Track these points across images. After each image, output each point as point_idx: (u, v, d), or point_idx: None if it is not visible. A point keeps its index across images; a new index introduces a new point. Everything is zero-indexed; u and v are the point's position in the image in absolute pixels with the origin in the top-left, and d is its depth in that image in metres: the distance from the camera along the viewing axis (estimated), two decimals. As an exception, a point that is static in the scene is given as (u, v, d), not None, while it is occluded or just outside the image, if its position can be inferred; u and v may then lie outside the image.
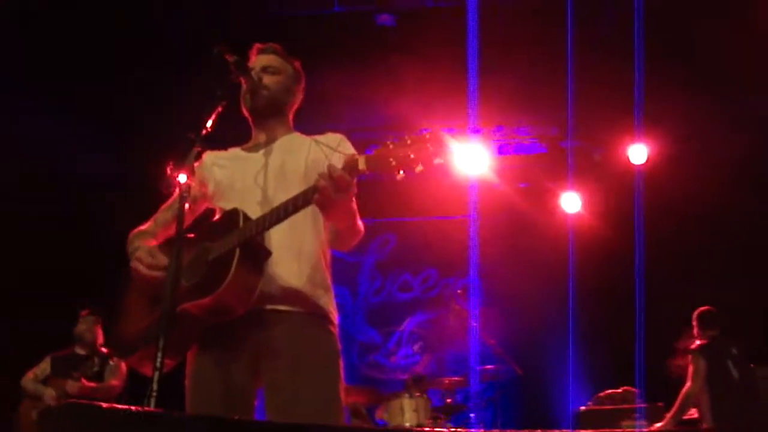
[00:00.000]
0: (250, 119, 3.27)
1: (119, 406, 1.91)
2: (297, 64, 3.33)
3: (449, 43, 6.73)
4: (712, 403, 6.28)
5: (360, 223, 2.96)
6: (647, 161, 8.31)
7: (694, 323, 6.70)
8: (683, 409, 6.38)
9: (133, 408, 1.93)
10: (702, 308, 6.74)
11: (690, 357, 6.51)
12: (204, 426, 2.01)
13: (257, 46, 3.27)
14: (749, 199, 7.66)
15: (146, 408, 2.23)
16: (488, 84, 6.90)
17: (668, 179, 8.07)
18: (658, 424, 6.40)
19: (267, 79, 3.18)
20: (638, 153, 8.33)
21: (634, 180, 8.13)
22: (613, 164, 8.70)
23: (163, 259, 2.88)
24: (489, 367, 7.41)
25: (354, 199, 2.83)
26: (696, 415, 6.52)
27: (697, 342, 6.58)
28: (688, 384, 6.40)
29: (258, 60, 3.22)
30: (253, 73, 3.11)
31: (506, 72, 7.21)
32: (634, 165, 8.34)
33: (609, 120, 8.25)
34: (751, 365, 6.57)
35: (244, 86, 3.17)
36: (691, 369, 6.45)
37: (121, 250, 3.13)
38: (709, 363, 6.41)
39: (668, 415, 6.40)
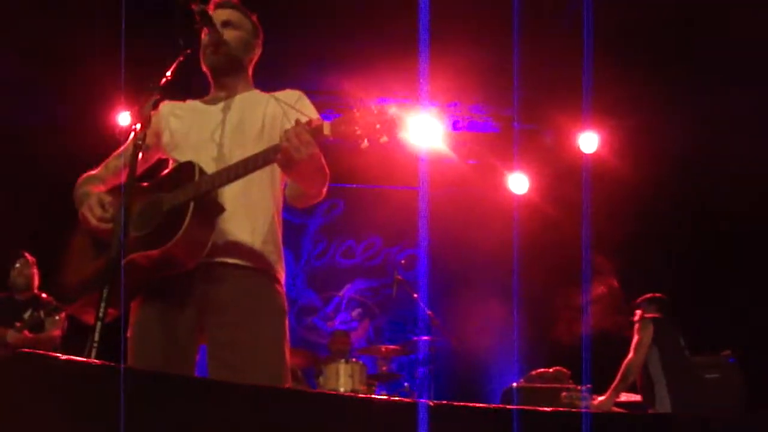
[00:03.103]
0: (209, 74, 3.22)
1: (76, 359, 1.89)
2: (255, 17, 3.29)
3: (412, 15, 6.70)
4: (669, 383, 6.21)
5: (324, 189, 2.95)
6: (597, 150, 8.39)
7: (655, 305, 6.64)
8: (625, 380, 6.28)
9: (91, 360, 1.91)
10: (654, 293, 6.75)
11: (637, 325, 6.43)
12: (167, 382, 2.01)
13: (215, 0, 3.20)
14: (693, 193, 7.79)
15: (95, 360, 2.21)
16: (446, 60, 6.88)
17: (616, 169, 8.18)
18: (601, 398, 6.35)
19: (227, 35, 3.13)
20: (589, 141, 8.41)
21: (583, 167, 8.21)
22: (563, 149, 8.78)
23: (113, 212, 2.84)
24: (426, 338, 7.49)
25: (322, 162, 2.83)
26: (637, 398, 6.51)
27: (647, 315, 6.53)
28: (631, 355, 6.31)
29: (217, 14, 3.15)
30: (216, 25, 3.06)
31: (465, 49, 7.21)
32: (583, 152, 8.41)
33: (563, 106, 8.31)
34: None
35: (204, 41, 3.11)
36: (635, 339, 6.37)
37: (67, 194, 3.10)
38: (658, 336, 6.32)
39: (611, 387, 6.32)
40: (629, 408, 6.51)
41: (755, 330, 7.01)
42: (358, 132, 2.52)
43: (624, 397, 6.57)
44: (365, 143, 2.53)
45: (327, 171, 2.89)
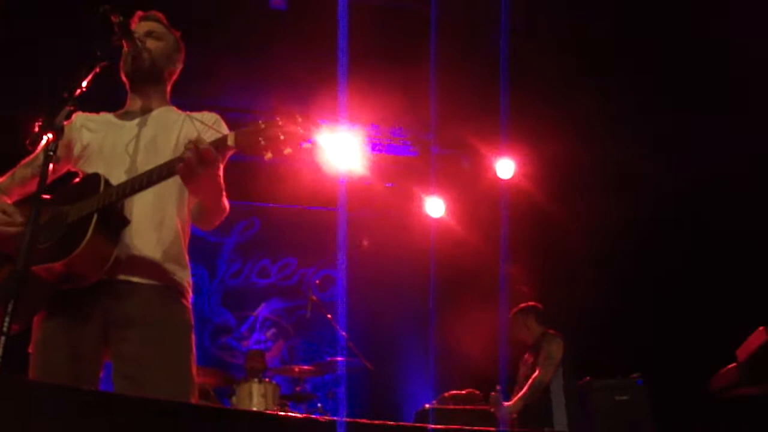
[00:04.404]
0: (127, 84, 3.21)
1: None
2: (177, 34, 3.32)
3: (332, 37, 6.72)
4: (567, 403, 6.16)
5: (226, 202, 2.93)
6: (514, 176, 8.50)
7: (532, 314, 6.67)
8: (532, 395, 6.19)
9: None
10: (537, 304, 6.78)
11: (544, 338, 6.42)
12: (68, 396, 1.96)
13: (139, 13, 3.23)
14: (607, 219, 7.95)
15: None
16: (365, 82, 6.92)
17: (532, 195, 8.32)
18: (507, 403, 6.29)
19: (150, 44, 3.15)
20: (505, 167, 8.52)
21: (499, 193, 8.32)
22: (480, 175, 8.88)
23: (18, 217, 2.79)
24: (340, 358, 7.47)
25: (221, 177, 2.82)
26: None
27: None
28: (542, 371, 6.23)
29: (140, 26, 3.19)
30: (136, 37, 3.06)
31: (384, 73, 7.26)
32: (500, 178, 8.51)
33: (481, 131, 8.42)
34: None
35: (125, 49, 3.10)
36: (543, 353, 6.33)
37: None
38: (564, 354, 6.30)
39: (518, 396, 6.28)
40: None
41: (662, 352, 7.17)
42: (262, 143, 2.48)
43: None
44: (269, 155, 2.49)
45: (223, 186, 2.87)
